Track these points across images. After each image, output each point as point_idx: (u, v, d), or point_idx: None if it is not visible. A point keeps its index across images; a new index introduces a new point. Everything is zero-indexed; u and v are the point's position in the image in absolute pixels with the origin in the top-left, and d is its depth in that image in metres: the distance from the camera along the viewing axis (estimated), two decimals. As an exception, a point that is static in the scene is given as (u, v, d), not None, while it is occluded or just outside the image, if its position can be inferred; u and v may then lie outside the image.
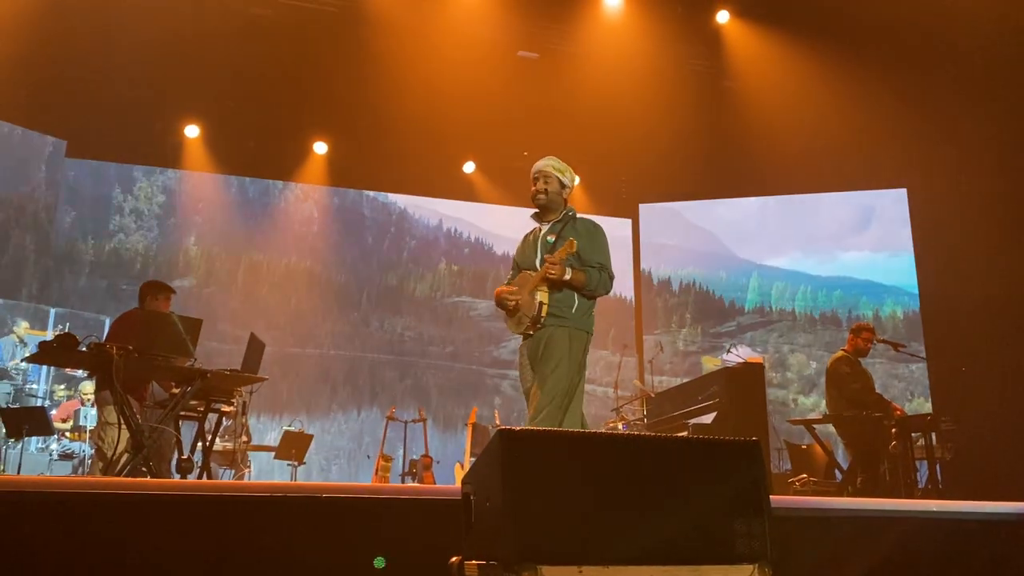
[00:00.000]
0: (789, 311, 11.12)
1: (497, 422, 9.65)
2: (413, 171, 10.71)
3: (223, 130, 10.32)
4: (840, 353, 6.92)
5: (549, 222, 4.31)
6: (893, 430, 6.40)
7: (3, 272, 9.58)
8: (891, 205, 10.89)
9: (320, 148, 10.87)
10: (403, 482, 9.07)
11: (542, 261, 4.15)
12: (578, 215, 4.34)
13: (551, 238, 4.21)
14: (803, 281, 11.17)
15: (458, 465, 9.12)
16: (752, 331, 11.21)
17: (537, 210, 4.34)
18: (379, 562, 2.36)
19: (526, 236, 4.44)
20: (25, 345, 8.44)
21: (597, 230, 4.25)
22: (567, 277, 4.00)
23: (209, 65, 9.11)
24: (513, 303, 4.15)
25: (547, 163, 4.32)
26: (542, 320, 4.04)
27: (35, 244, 9.86)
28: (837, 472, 7.12)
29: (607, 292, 4.16)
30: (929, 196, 10.23)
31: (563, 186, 4.30)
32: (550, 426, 3.84)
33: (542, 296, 4.06)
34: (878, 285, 10.88)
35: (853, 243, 11.09)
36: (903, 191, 10.76)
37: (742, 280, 11.43)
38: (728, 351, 10.14)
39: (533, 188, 4.30)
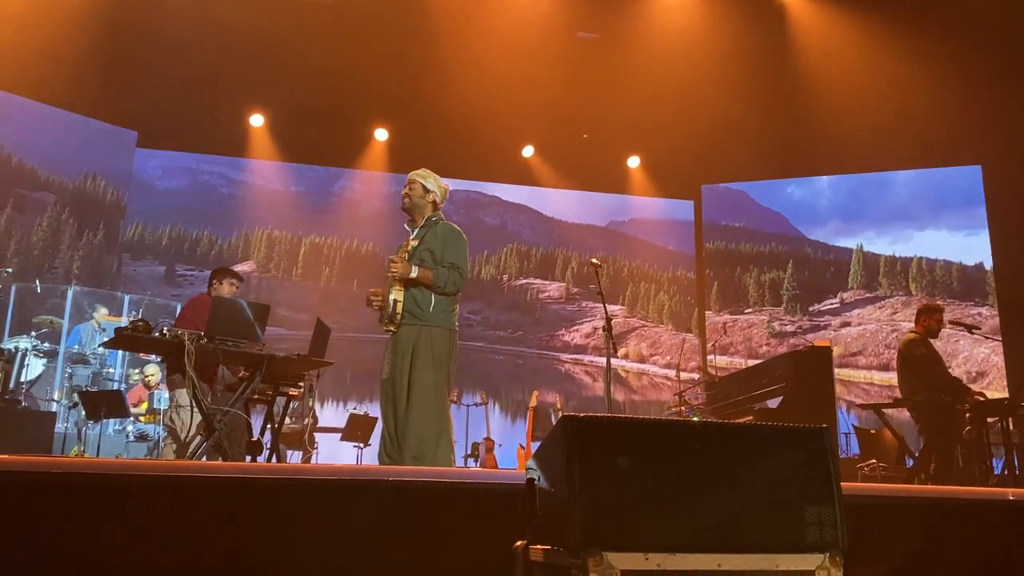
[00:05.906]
0: (903, 287, 10.73)
1: (559, 407, 9.66)
2: (472, 155, 10.70)
3: (286, 118, 10.49)
4: (912, 335, 6.69)
5: (417, 228, 4.57)
6: (968, 415, 6.20)
7: (80, 260, 9.94)
8: (965, 183, 10.51)
9: (381, 135, 10.96)
10: (465, 464, 9.15)
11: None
12: (441, 221, 4.57)
13: (415, 243, 4.49)
14: (908, 260, 10.80)
15: (519, 448, 9.17)
16: (859, 308, 10.87)
17: (410, 218, 4.62)
18: None
19: (402, 243, 4.65)
20: (103, 331, 8.71)
21: (454, 233, 4.51)
22: (413, 275, 4.28)
23: (272, 54, 9.27)
24: (378, 303, 4.42)
25: (413, 173, 4.64)
26: (397, 318, 4.31)
27: (107, 232, 10.21)
28: (908, 458, 6.94)
29: (456, 290, 4.40)
30: (1004, 173, 9.87)
31: (426, 190, 4.57)
32: (421, 420, 4.11)
33: (397, 295, 4.36)
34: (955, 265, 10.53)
35: (929, 222, 10.74)
36: (978, 168, 10.40)
37: (830, 256, 11.15)
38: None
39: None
